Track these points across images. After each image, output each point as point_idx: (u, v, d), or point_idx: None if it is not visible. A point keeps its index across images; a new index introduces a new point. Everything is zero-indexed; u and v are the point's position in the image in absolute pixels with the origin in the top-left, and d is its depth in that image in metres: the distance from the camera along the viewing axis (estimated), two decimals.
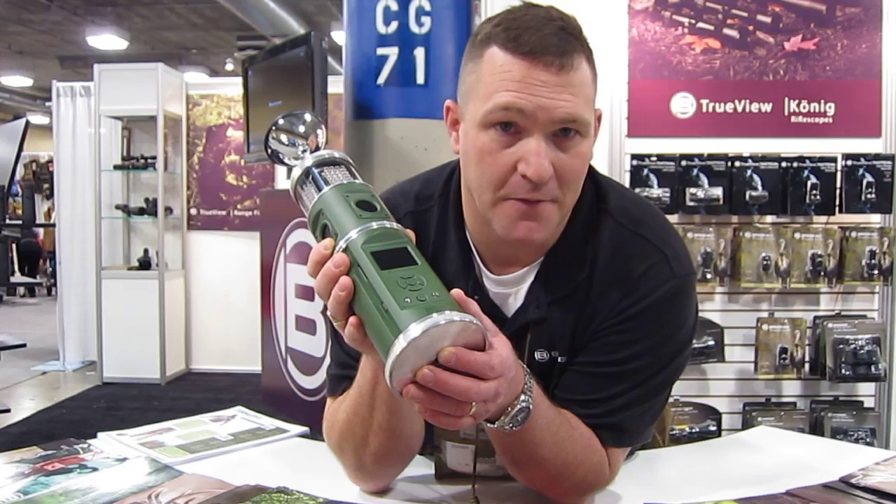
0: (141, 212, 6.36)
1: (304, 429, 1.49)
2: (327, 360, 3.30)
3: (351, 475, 1.21)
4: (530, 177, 1.02)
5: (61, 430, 4.83)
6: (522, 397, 0.99)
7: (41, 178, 12.24)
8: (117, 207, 6.39)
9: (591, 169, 1.16)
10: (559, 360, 1.16)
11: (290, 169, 1.06)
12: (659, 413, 1.21)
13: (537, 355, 1.16)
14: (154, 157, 6.24)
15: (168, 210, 6.35)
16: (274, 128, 1.08)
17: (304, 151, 1.07)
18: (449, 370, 0.85)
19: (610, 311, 1.14)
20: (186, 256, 6.56)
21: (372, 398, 1.09)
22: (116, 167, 6.38)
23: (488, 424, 0.99)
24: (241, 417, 1.57)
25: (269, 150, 1.09)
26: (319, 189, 1.00)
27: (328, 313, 0.95)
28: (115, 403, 5.62)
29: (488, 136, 1.05)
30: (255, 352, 3.88)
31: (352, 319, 0.91)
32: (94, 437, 1.42)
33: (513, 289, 1.18)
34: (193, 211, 6.55)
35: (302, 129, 1.09)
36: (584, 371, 1.15)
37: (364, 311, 0.90)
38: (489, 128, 1.04)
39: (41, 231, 12.32)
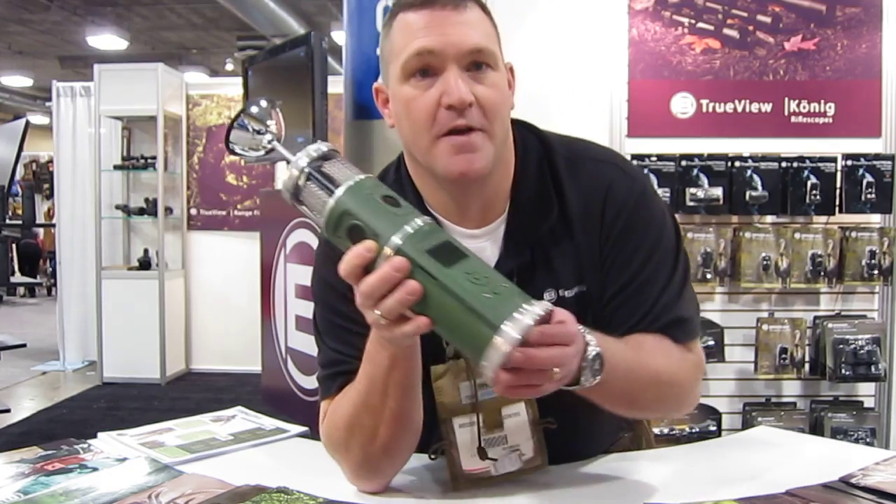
0: (141, 212, 6.36)
1: (304, 429, 1.49)
2: None
3: (353, 475, 1.21)
4: (454, 104, 1.11)
5: (61, 430, 4.83)
6: (588, 348, 1.01)
7: (41, 178, 12.24)
8: (117, 207, 6.39)
9: (533, 126, 1.29)
10: (579, 291, 1.23)
11: (265, 162, 1.06)
12: (696, 300, 1.29)
13: (546, 296, 1.21)
14: (154, 158, 6.24)
15: (168, 210, 6.35)
16: (235, 127, 1.09)
17: (270, 141, 1.08)
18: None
19: (600, 232, 1.23)
20: (186, 256, 6.56)
21: (385, 385, 1.11)
22: (116, 167, 6.38)
23: (575, 387, 1.03)
24: (241, 417, 1.57)
25: (232, 149, 1.09)
26: (330, 188, 0.98)
27: (376, 313, 0.95)
28: (116, 403, 5.62)
29: (410, 85, 1.15)
30: (255, 352, 3.88)
31: (423, 320, 0.94)
32: (95, 437, 1.42)
33: (486, 241, 1.24)
34: (193, 211, 6.55)
35: (261, 118, 1.09)
36: (618, 302, 1.23)
37: (439, 311, 0.92)
38: (409, 78, 1.15)
39: (41, 231, 12.33)
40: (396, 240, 0.93)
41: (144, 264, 6.29)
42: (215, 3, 8.47)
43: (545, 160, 1.26)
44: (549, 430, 1.23)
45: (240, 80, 4.22)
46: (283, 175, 5.33)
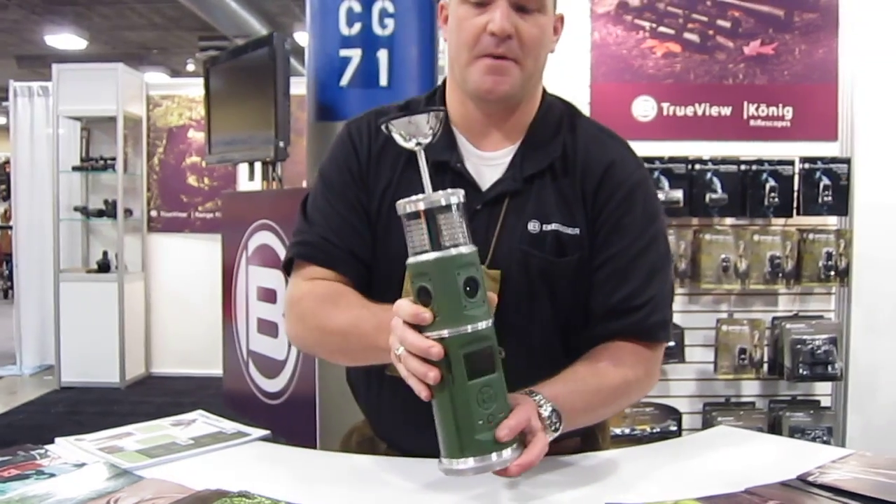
0: (100, 214, 6.28)
1: (266, 432, 1.48)
2: (290, 362, 3.25)
3: (298, 330, 1.39)
4: (496, 31, 1.25)
5: (19, 435, 4.74)
6: (542, 410, 1.13)
7: None
8: (76, 209, 6.29)
9: (567, 101, 1.45)
10: (569, 231, 1.33)
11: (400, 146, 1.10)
12: (671, 299, 1.40)
13: (530, 226, 1.32)
14: (114, 159, 6.16)
15: (128, 212, 6.27)
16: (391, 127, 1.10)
17: (418, 145, 1.09)
18: None
19: (596, 194, 1.34)
20: (147, 259, 6.49)
21: (367, 346, 1.22)
22: (75, 168, 6.29)
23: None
24: (201, 421, 1.55)
25: (388, 128, 1.11)
26: (431, 243, 1.02)
27: (398, 351, 1.06)
28: (74, 408, 5.54)
29: (464, 8, 1.29)
30: (216, 355, 3.84)
31: (425, 392, 1.03)
32: (52, 442, 1.39)
33: (492, 164, 1.37)
34: (154, 213, 6.48)
35: (415, 128, 1.09)
36: (604, 274, 1.33)
37: (440, 401, 1.03)
38: (466, 2, 1.28)
39: None
40: (445, 333, 1.01)
41: (104, 267, 6.20)
42: (177, 2, 8.39)
43: (567, 116, 1.41)
44: (510, 364, 1.25)
45: (201, 80, 4.18)
46: (245, 177, 5.28)
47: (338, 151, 1.44)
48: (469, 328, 1.01)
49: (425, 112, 1.08)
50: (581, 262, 1.33)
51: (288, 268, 1.42)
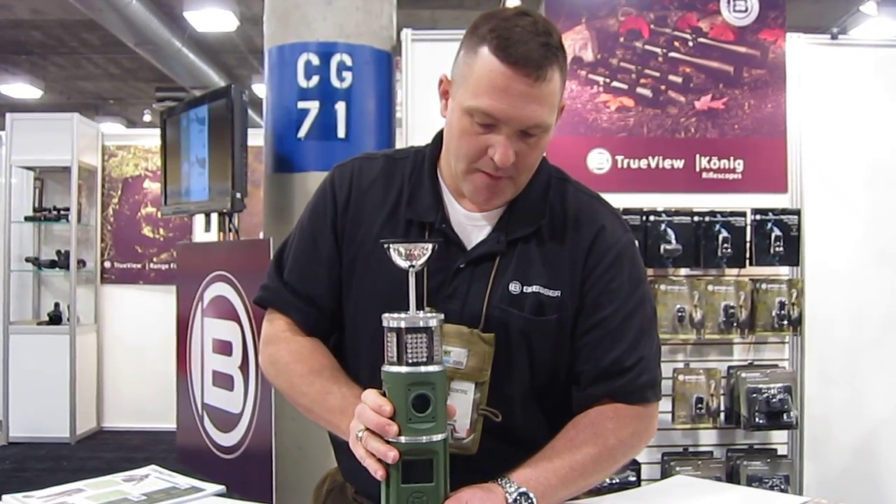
0: (52, 264, 6.17)
1: (221, 487, 1.45)
2: (245, 416, 3.21)
3: (271, 372, 1.45)
4: (496, 162, 1.25)
5: None
6: (507, 496, 1.18)
7: None
8: (27, 260, 6.19)
9: (552, 165, 1.46)
10: (549, 294, 1.34)
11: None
12: (658, 359, 1.42)
13: (511, 287, 1.34)
14: (67, 209, 6.09)
15: (81, 263, 6.18)
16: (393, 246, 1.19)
17: (411, 267, 1.17)
18: None
19: (586, 260, 1.36)
20: (100, 310, 6.39)
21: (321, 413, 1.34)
22: (28, 218, 6.20)
23: None
24: (154, 476, 1.52)
25: (387, 245, 1.19)
26: (397, 357, 1.13)
27: (359, 433, 1.15)
28: (21, 464, 5.38)
29: (469, 121, 1.27)
30: (169, 409, 3.77)
31: (381, 472, 1.12)
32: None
33: (478, 224, 1.38)
34: (108, 264, 6.40)
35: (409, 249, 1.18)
36: (599, 333, 1.35)
37: (384, 490, 1.13)
38: (471, 116, 1.26)
39: None
40: (403, 439, 1.10)
41: (55, 319, 6.08)
42: (134, 53, 8.41)
43: (556, 180, 1.43)
44: (491, 422, 1.30)
45: (158, 131, 4.16)
46: (200, 228, 5.22)
47: (317, 197, 1.48)
48: (405, 440, 1.10)
49: (423, 243, 1.18)
50: (560, 322, 1.35)
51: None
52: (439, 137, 1.43)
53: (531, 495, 1.18)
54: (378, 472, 1.11)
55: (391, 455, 1.09)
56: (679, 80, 3.20)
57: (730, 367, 3.21)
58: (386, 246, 1.17)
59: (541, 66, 1.22)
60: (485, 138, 1.26)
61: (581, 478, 1.28)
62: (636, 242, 1.46)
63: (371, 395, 1.13)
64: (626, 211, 3.09)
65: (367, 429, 1.12)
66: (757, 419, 3.10)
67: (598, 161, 3.19)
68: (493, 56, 1.23)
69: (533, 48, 1.22)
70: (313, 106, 3.09)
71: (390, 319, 1.13)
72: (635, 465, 3.12)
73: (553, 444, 1.28)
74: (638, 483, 3.09)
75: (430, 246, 1.17)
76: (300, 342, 1.41)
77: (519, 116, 1.24)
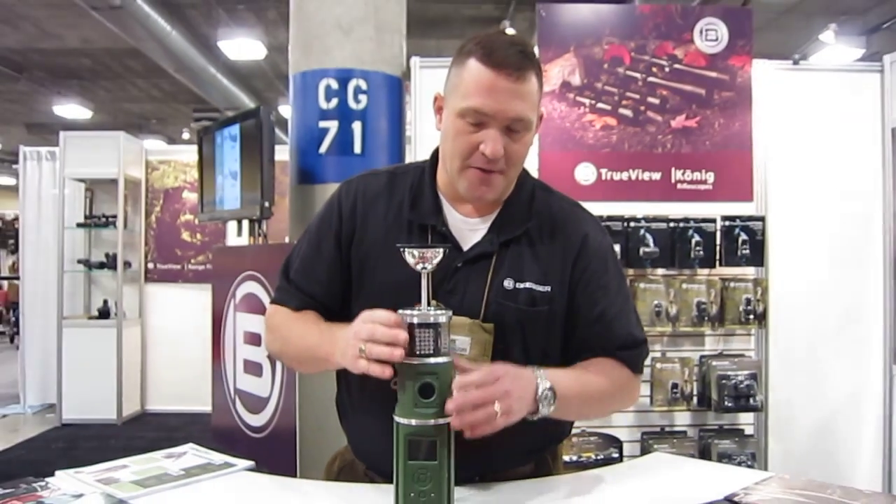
0: (101, 266, 6.19)
1: (251, 463, 1.46)
2: (272, 399, 3.21)
3: (269, 338, 1.50)
4: (488, 155, 1.29)
5: (20, 469, 4.58)
6: (539, 383, 1.19)
7: (6, 235, 11.86)
8: (79, 261, 6.20)
9: (532, 176, 1.49)
10: (541, 289, 1.36)
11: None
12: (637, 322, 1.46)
13: (506, 283, 1.36)
14: (114, 216, 6.09)
15: (127, 264, 6.18)
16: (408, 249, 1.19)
17: (423, 269, 1.18)
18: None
19: (575, 262, 1.39)
20: (143, 306, 6.40)
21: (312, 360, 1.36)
22: (79, 225, 6.21)
23: (534, 417, 1.19)
24: (192, 454, 1.52)
25: (404, 249, 1.20)
26: (410, 348, 1.12)
27: (361, 347, 1.14)
28: (73, 444, 5.39)
29: (462, 122, 1.31)
30: (205, 393, 3.77)
31: (388, 371, 1.13)
32: (52, 475, 1.36)
33: (473, 228, 1.41)
34: (150, 265, 6.40)
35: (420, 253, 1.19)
36: (594, 331, 1.39)
37: (394, 461, 1.13)
38: (463, 117, 1.30)
39: (5, 284, 11.88)
40: (412, 422, 1.12)
41: (104, 314, 6.10)
42: (173, 79, 8.41)
43: (539, 190, 1.46)
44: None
45: (195, 147, 4.17)
46: (233, 233, 5.22)
47: (324, 210, 1.49)
48: (414, 422, 1.12)
49: (435, 247, 1.18)
50: (550, 312, 1.37)
51: None
52: (436, 153, 1.46)
53: (554, 395, 1.20)
54: (385, 372, 1.12)
55: (397, 353, 1.11)
56: (657, 101, 3.20)
57: (702, 357, 3.21)
58: (402, 249, 1.18)
59: (520, 67, 1.27)
60: (476, 136, 1.29)
61: (591, 399, 1.33)
62: (611, 240, 1.51)
63: (379, 312, 1.15)
64: (610, 218, 3.09)
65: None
66: (726, 402, 3.10)
67: (585, 174, 3.19)
68: (479, 63, 1.28)
69: (512, 54, 1.28)
70: (332, 125, 3.09)
71: (404, 315, 1.14)
72: (618, 444, 3.12)
73: (573, 367, 1.35)
74: (620, 458, 3.09)
75: (441, 249, 1.18)
76: (292, 314, 1.45)
77: (504, 110, 1.27)
